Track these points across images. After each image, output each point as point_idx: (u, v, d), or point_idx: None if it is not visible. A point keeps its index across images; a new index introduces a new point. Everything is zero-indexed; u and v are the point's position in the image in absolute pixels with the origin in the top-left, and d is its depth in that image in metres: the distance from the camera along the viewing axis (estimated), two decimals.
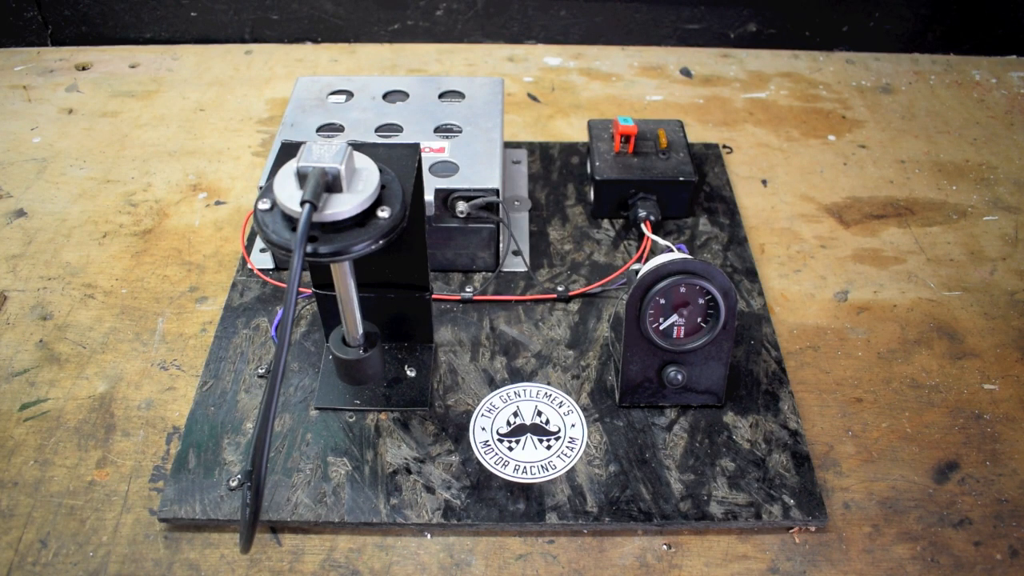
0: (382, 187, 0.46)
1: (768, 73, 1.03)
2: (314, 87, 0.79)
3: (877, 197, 0.83)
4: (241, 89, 0.99)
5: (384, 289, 0.61)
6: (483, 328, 0.67)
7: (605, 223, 0.78)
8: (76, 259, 0.75)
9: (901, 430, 0.62)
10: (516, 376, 0.64)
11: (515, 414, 0.61)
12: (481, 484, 0.56)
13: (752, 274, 0.73)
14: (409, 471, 0.57)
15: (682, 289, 0.56)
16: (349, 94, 0.78)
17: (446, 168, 0.69)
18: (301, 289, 0.67)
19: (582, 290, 0.70)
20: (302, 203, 0.42)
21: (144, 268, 0.74)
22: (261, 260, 0.72)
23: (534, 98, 0.98)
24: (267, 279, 0.70)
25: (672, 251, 0.68)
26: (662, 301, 0.57)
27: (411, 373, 0.63)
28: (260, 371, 0.63)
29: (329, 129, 0.74)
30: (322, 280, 0.60)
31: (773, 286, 0.73)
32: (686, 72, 1.03)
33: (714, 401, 0.61)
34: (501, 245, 0.71)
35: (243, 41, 1.08)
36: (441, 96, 0.78)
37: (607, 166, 0.76)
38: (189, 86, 0.99)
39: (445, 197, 0.67)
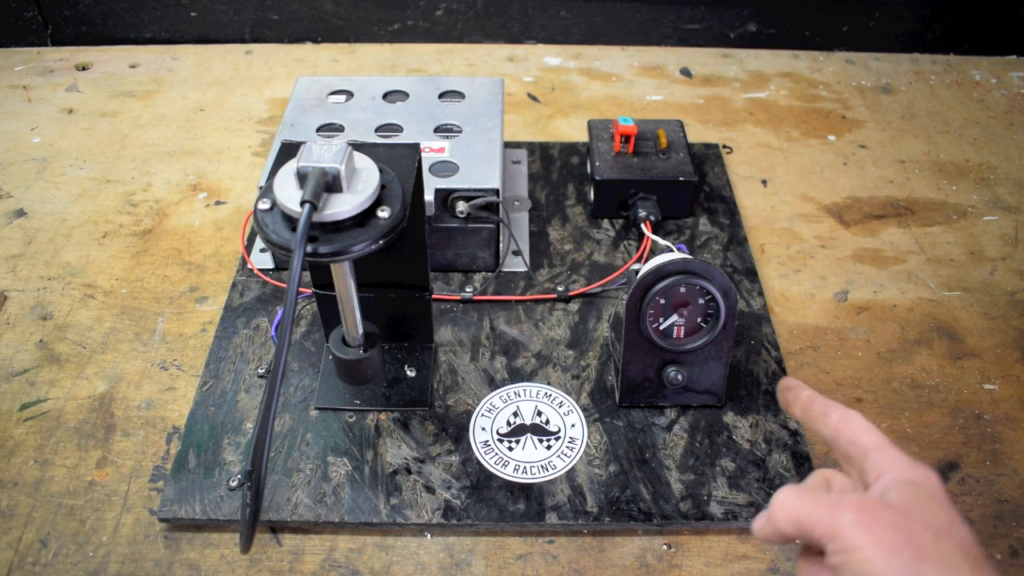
0: (382, 187, 0.46)
1: (768, 73, 1.03)
2: (314, 87, 0.79)
3: (877, 197, 0.83)
4: (241, 89, 0.99)
5: (384, 289, 0.61)
6: (483, 328, 0.67)
7: (605, 223, 0.78)
8: (76, 259, 0.75)
9: (901, 430, 0.62)
10: (516, 376, 0.64)
11: (515, 414, 0.61)
12: (481, 484, 0.56)
13: (752, 274, 0.73)
14: (409, 471, 0.57)
15: (682, 289, 0.56)
16: (349, 94, 0.78)
17: (446, 168, 0.69)
18: (301, 289, 0.67)
19: (582, 290, 0.70)
20: (302, 203, 0.42)
21: (144, 268, 0.74)
22: (261, 260, 0.72)
23: (534, 98, 0.98)
24: (267, 279, 0.70)
25: (672, 251, 0.68)
26: (662, 301, 0.57)
27: (411, 373, 0.63)
28: (260, 371, 0.63)
29: (329, 129, 0.74)
30: (322, 280, 0.60)
31: (773, 286, 0.73)
32: (686, 72, 1.03)
33: (714, 401, 0.61)
34: (501, 245, 0.71)
35: (243, 41, 1.08)
36: (441, 96, 0.78)
37: (607, 166, 0.76)
38: (189, 86, 0.99)
39: (445, 197, 0.67)
